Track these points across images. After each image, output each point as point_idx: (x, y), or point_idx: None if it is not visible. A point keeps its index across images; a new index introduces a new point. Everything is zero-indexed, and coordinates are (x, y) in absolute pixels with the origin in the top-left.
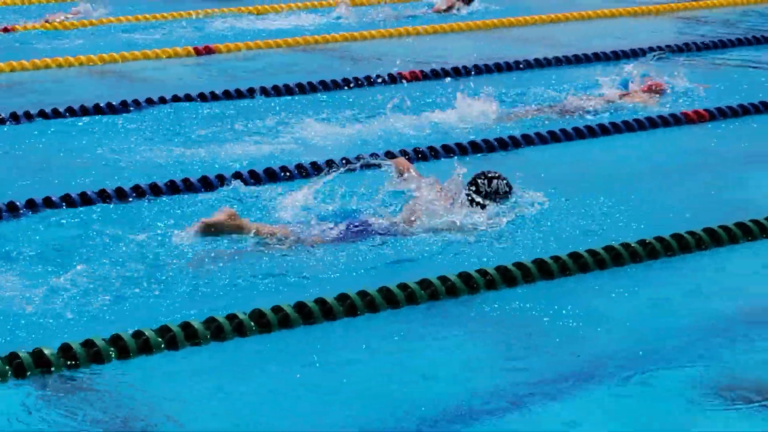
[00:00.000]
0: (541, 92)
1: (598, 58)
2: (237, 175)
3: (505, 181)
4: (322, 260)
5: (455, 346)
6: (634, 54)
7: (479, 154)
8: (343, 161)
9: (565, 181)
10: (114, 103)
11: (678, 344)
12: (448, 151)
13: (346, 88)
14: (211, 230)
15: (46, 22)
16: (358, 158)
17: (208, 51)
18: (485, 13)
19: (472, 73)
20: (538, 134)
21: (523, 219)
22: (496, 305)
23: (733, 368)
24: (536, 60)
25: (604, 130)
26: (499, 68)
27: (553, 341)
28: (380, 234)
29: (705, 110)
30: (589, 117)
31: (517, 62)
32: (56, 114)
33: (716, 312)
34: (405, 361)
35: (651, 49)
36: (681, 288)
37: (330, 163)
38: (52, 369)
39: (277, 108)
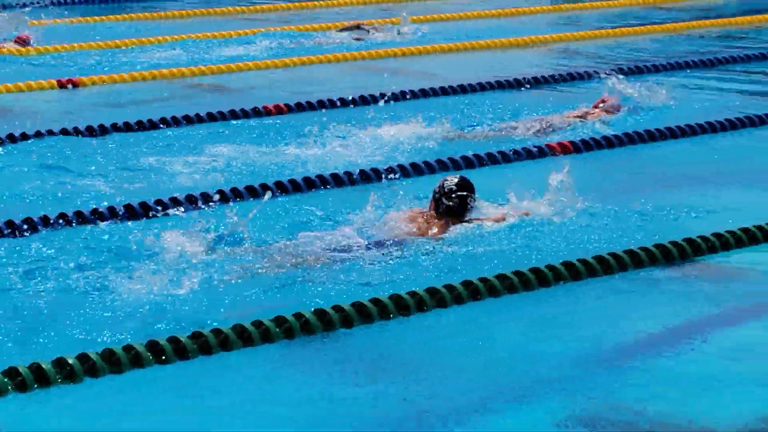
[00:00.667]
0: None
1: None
2: (94, 211)
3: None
4: (183, 295)
5: (312, 385)
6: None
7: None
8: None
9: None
10: None
11: (548, 376)
12: (310, 184)
13: (213, 121)
14: None
15: None
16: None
17: (73, 84)
18: (369, 45)
19: (337, 105)
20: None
21: (398, 251)
22: (351, 342)
23: (603, 400)
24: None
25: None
26: (366, 101)
27: (412, 378)
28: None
29: (570, 142)
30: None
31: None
32: None
33: (585, 344)
34: (262, 403)
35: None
36: (547, 320)
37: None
38: None
39: (142, 142)
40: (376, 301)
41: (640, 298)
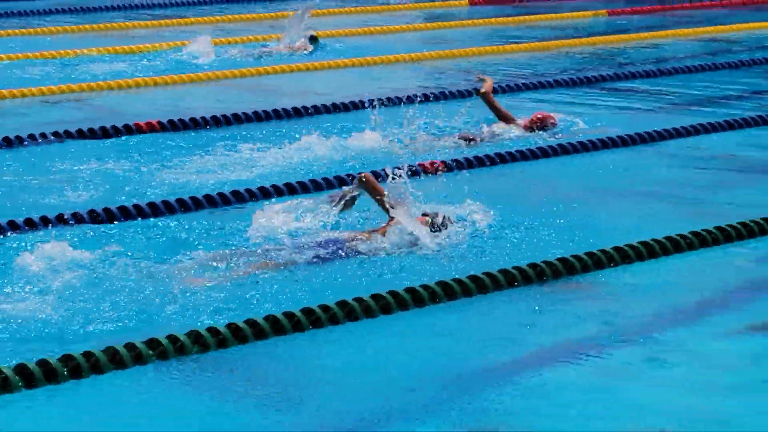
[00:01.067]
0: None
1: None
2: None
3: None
4: (51, 317)
5: (187, 407)
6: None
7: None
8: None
9: None
10: None
11: (435, 394)
12: (183, 205)
13: (82, 138)
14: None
15: None
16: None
17: None
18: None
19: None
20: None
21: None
22: (225, 364)
23: (491, 416)
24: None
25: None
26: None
27: (292, 399)
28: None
29: (442, 162)
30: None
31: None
32: None
33: (471, 362)
34: (136, 426)
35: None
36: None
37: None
38: None
39: (6, 159)
40: (252, 323)
41: (517, 315)
